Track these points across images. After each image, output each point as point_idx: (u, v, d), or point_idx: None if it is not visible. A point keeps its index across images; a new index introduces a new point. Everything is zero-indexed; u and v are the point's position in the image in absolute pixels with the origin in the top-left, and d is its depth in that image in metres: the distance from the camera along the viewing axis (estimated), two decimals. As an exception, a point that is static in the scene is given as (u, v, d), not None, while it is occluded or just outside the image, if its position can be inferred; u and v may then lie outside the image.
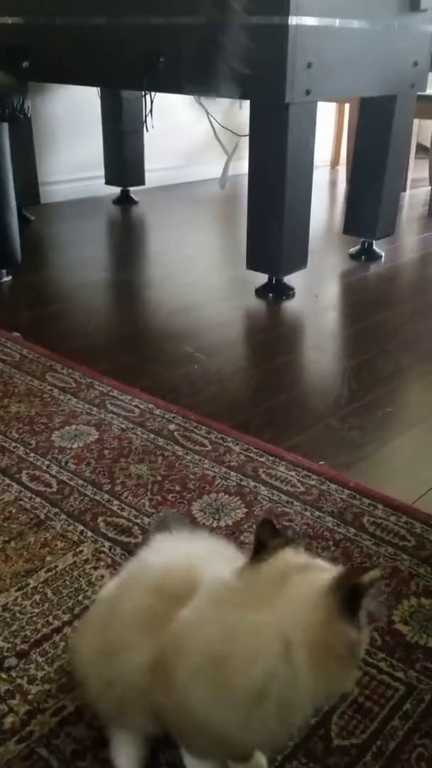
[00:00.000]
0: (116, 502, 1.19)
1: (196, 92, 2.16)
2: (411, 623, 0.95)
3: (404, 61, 2.27)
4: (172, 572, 0.67)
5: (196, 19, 1.96)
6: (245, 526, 1.13)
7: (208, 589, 0.62)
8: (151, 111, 2.59)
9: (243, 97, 2.19)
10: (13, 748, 0.77)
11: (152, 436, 1.39)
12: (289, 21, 1.79)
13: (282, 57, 1.83)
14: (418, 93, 2.42)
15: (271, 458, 1.32)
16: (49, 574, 1.02)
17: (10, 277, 2.26)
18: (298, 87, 1.88)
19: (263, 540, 0.62)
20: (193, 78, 2.06)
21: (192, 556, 0.70)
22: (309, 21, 1.84)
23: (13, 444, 1.35)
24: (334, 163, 4.45)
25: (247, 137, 2.08)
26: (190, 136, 3.73)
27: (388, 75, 2.24)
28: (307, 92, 1.92)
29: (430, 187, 3.86)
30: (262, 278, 2.24)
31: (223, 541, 0.80)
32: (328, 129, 4.27)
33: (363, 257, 2.64)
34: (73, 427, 1.41)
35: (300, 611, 0.57)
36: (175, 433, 1.40)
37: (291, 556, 0.61)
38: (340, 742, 0.80)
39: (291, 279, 2.25)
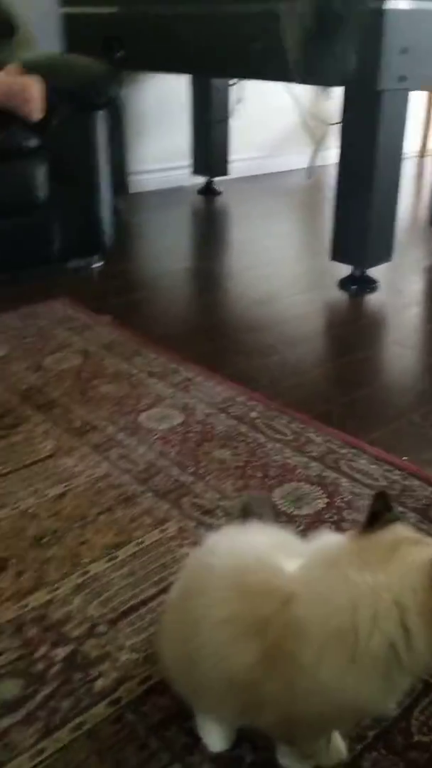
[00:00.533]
0: (200, 484, 1.22)
1: (288, 80, 2.15)
2: None
3: None
4: (249, 570, 0.66)
5: (289, 6, 1.95)
6: (326, 516, 1.14)
7: (314, 569, 0.63)
8: (240, 99, 2.60)
9: (335, 84, 2.17)
10: (103, 711, 0.81)
11: (234, 422, 1.41)
12: (385, 5, 1.76)
13: (376, 42, 1.79)
14: None
15: (352, 450, 1.32)
16: (137, 548, 1.06)
17: (100, 264, 2.33)
18: (392, 73, 1.85)
19: (376, 511, 0.63)
20: (286, 65, 2.05)
21: (258, 549, 0.69)
22: (405, 5, 1.80)
23: (104, 422, 1.40)
24: (422, 153, 4.33)
25: (335, 126, 2.05)
26: (276, 125, 3.71)
27: None
28: (401, 79, 1.88)
29: None
30: (345, 270, 2.22)
31: (277, 528, 0.80)
32: (417, 118, 4.16)
33: (450, 251, 2.57)
34: (159, 409, 1.45)
35: (409, 577, 0.59)
36: (257, 421, 1.42)
37: (402, 530, 0.63)
38: (421, 738, 0.79)
39: (375, 272, 2.22)
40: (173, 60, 2.40)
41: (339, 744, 0.78)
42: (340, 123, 2.05)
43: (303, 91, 3.47)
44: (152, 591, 0.98)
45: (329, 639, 0.60)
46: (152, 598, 0.96)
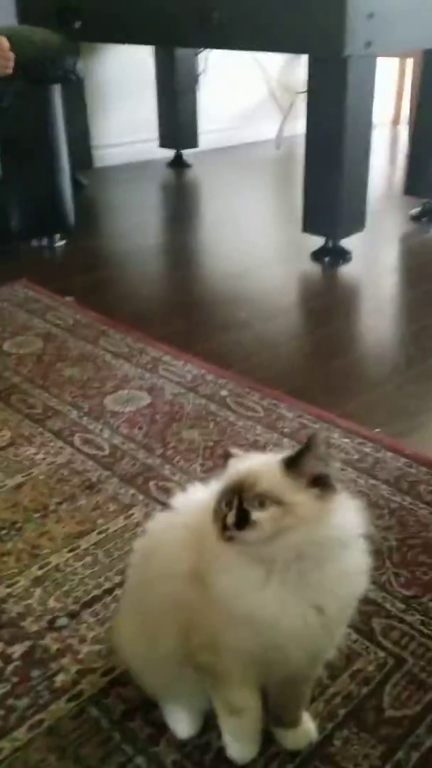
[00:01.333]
0: (168, 466, 1.18)
1: (252, 48, 2.09)
2: (470, 597, 0.91)
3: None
4: (205, 500, 0.69)
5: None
6: (297, 494, 1.11)
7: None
8: (204, 69, 2.52)
9: (301, 51, 2.11)
10: (63, 707, 0.78)
11: (204, 401, 1.37)
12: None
13: (341, 7, 1.73)
14: None
15: (325, 425, 1.29)
16: (101, 536, 1.02)
17: (63, 242, 2.26)
18: (358, 39, 1.79)
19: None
20: (249, 33, 1.98)
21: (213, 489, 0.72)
22: (370, -33, 1.74)
23: (67, 407, 1.35)
24: (395, 121, 4.27)
25: (304, 94, 2.00)
26: (244, 96, 3.63)
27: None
28: (368, 44, 1.82)
29: None
30: (318, 242, 2.18)
31: None
32: (389, 86, 4.08)
33: (425, 218, 2.53)
34: (126, 391, 1.41)
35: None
36: (228, 399, 1.38)
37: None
38: (393, 713, 0.78)
39: (348, 242, 2.17)
40: (132, 30, 2.31)
41: (308, 725, 0.76)
42: (306, 92, 1.99)
43: (270, 59, 3.40)
44: (117, 579, 0.94)
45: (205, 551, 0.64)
46: (117, 586, 0.93)
